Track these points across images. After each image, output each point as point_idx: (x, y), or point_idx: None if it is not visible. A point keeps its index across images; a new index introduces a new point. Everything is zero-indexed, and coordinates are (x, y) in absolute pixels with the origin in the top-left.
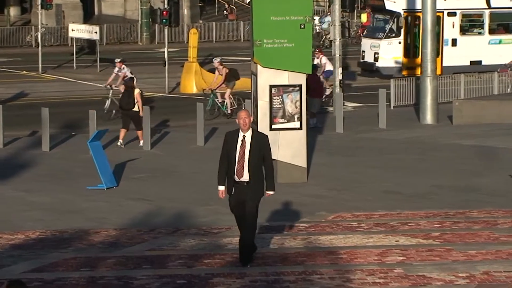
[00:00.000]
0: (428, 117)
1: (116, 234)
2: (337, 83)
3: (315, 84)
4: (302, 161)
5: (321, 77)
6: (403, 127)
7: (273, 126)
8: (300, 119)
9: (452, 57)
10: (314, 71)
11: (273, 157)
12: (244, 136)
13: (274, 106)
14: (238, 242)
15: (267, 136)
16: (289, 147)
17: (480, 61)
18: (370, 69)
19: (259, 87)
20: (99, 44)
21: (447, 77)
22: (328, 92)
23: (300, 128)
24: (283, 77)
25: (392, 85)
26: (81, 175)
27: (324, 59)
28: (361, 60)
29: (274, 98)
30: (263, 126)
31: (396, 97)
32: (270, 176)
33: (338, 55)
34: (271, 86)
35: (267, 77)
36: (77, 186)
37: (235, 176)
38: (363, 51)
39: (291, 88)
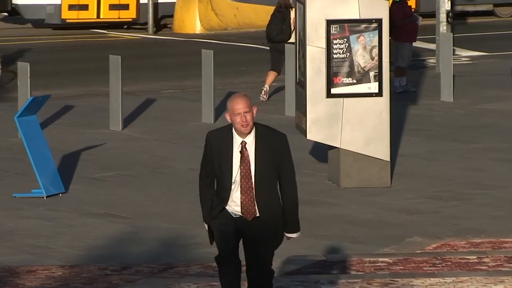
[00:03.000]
0: None
1: (65, 274)
2: (443, 16)
3: (403, 19)
4: (383, 151)
5: None
6: None
7: (333, 91)
8: (379, 78)
9: None
10: None
11: (334, 144)
12: (243, 144)
13: (334, 56)
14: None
15: (283, 134)
16: (360, 126)
17: None
18: (5, 9)
19: (309, 24)
20: None
21: None
22: None
23: (380, 94)
24: (350, 7)
25: None
26: (4, 174)
27: None
28: None
29: (334, 42)
30: (315, 90)
31: None
32: (291, 204)
33: None
34: (329, 22)
35: (322, 6)
36: None
37: (234, 207)
38: None
39: (363, 26)
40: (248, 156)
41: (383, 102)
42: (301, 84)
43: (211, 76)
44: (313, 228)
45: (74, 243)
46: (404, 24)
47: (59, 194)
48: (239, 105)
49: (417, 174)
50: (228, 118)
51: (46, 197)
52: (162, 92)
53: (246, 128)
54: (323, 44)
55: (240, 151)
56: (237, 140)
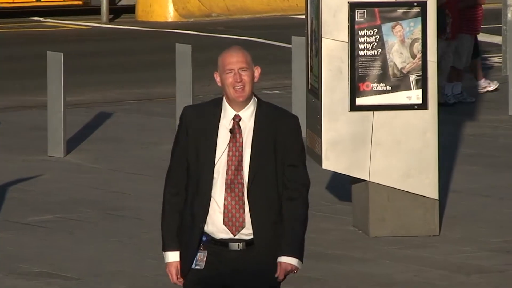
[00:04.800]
0: None
1: None
2: None
3: (463, 2)
4: (428, 185)
5: None
6: None
7: (359, 101)
8: (423, 84)
9: None
10: None
11: (360, 176)
12: (237, 118)
13: (360, 54)
14: None
15: (295, 117)
16: (397, 151)
17: None
18: None
19: (325, 8)
20: None
21: None
22: None
23: (424, 106)
24: None
25: None
26: None
27: None
28: None
29: (360, 33)
30: (334, 100)
31: None
32: (295, 218)
33: None
34: (353, 6)
35: None
36: None
37: (211, 225)
38: None
39: (401, 11)
40: (241, 137)
41: (429, 117)
42: (314, 92)
43: (189, 81)
44: None
45: None
46: (463, 10)
47: None
48: (232, 58)
49: (476, 218)
50: (217, 79)
51: None
52: (121, 103)
53: (241, 94)
54: (345, 36)
55: (230, 129)
56: (227, 114)
